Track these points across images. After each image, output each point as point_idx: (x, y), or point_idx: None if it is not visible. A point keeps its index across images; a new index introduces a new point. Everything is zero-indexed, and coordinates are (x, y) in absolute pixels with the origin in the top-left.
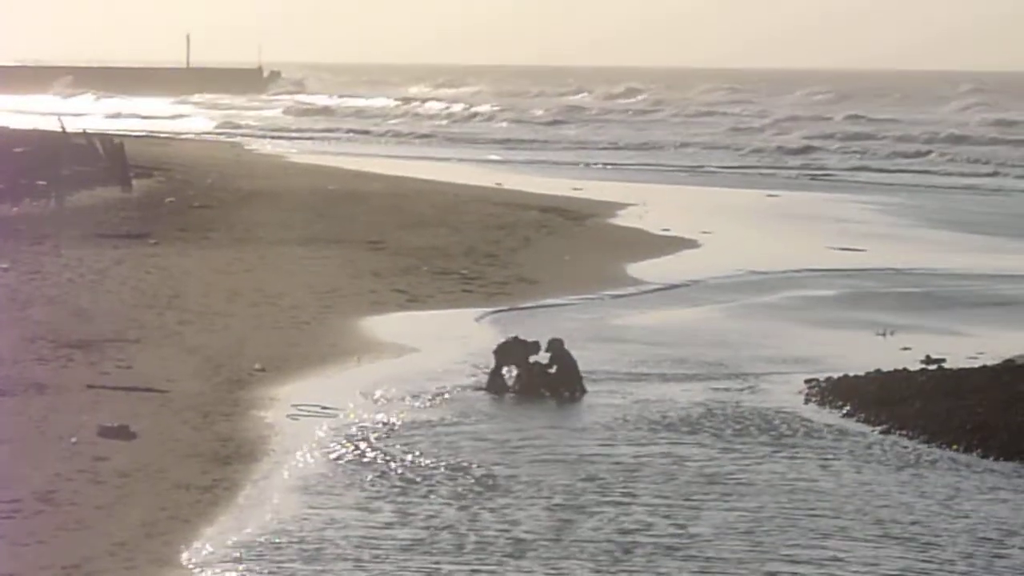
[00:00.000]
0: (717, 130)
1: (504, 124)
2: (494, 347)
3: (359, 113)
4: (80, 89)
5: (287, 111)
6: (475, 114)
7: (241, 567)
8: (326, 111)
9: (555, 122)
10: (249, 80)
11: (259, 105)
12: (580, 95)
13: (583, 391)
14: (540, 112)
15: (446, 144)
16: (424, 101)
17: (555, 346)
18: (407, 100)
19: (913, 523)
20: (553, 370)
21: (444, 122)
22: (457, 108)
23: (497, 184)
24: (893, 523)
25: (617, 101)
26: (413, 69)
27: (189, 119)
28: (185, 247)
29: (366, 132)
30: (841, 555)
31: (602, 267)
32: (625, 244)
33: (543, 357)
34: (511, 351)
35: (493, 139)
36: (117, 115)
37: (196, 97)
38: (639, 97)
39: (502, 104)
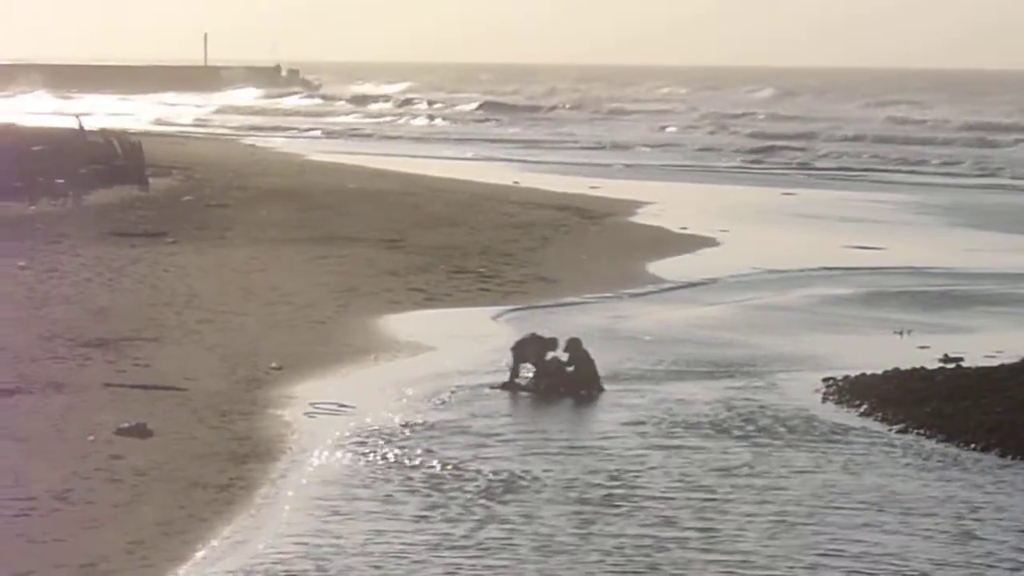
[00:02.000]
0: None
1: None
2: (512, 344)
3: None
4: (31, 88)
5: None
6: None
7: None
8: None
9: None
10: (267, 79)
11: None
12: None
13: (600, 390)
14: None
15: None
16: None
17: (573, 346)
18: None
19: (937, 519)
20: (570, 369)
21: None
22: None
23: (514, 183)
24: (920, 519)
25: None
26: (429, 68)
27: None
28: (202, 246)
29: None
30: (872, 550)
31: (620, 265)
32: (643, 242)
33: (561, 356)
34: (528, 348)
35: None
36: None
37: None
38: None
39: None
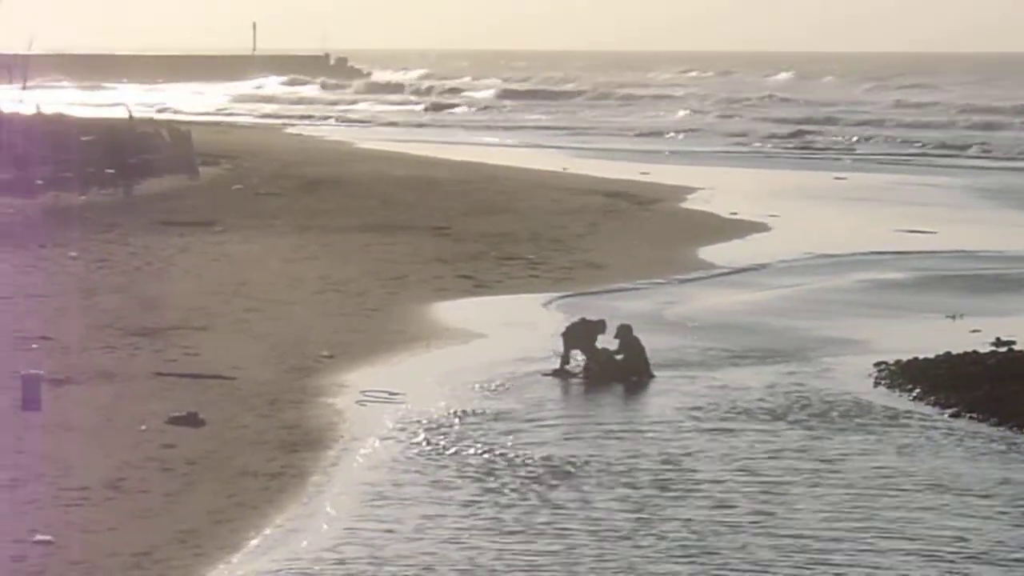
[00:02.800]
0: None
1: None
2: (562, 330)
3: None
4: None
5: None
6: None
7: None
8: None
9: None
10: (316, 68)
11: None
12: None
13: (651, 376)
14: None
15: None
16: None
17: (623, 332)
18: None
19: (994, 502)
20: (620, 357)
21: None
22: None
23: (563, 169)
24: (978, 501)
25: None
26: (474, 55)
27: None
28: (251, 234)
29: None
30: (932, 532)
31: (669, 251)
32: (692, 228)
33: (612, 343)
34: (577, 334)
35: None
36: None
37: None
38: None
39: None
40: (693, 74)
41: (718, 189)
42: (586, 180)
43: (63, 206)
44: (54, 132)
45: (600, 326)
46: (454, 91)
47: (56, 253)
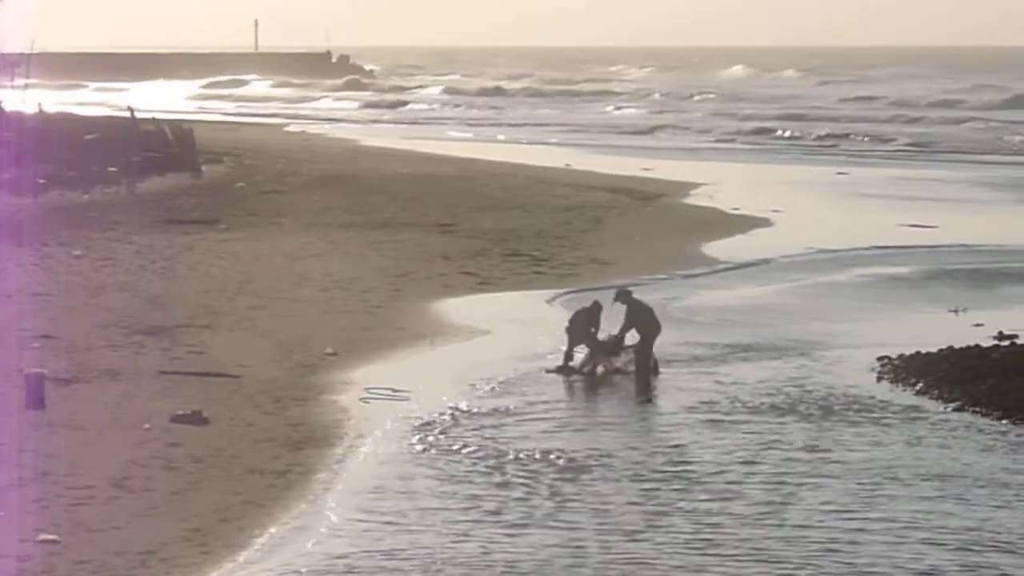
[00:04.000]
0: None
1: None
2: (566, 325)
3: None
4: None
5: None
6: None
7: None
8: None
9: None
10: (318, 65)
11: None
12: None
13: (656, 372)
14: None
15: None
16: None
17: (623, 297)
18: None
19: (1008, 493)
20: (623, 328)
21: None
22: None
23: (566, 165)
24: (991, 494)
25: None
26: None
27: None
28: (255, 232)
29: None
30: (949, 523)
31: (673, 247)
32: (695, 224)
33: (610, 330)
34: (578, 329)
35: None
36: None
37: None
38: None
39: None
40: (648, 70)
41: (720, 184)
42: (589, 176)
43: (66, 205)
44: (57, 130)
45: (595, 309)
46: (400, 89)
47: (60, 252)
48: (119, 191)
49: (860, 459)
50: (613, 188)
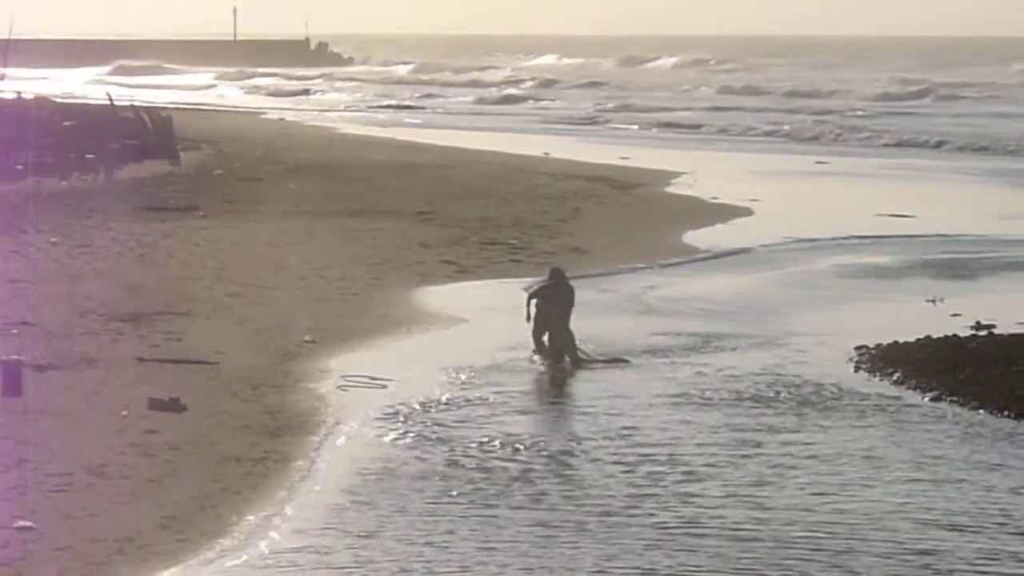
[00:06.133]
0: None
1: None
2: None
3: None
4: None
5: None
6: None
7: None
8: None
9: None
10: (297, 53)
11: None
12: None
13: (625, 361)
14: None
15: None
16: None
17: (556, 275)
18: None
19: (990, 480)
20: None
21: None
22: None
23: (544, 153)
24: (968, 481)
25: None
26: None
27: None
28: (233, 220)
29: None
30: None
31: (652, 236)
32: (674, 213)
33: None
34: (539, 321)
35: None
36: None
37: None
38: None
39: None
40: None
41: (699, 173)
42: (568, 165)
43: (44, 191)
44: (35, 117)
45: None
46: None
47: (37, 239)
48: (97, 178)
49: (837, 448)
50: (592, 177)
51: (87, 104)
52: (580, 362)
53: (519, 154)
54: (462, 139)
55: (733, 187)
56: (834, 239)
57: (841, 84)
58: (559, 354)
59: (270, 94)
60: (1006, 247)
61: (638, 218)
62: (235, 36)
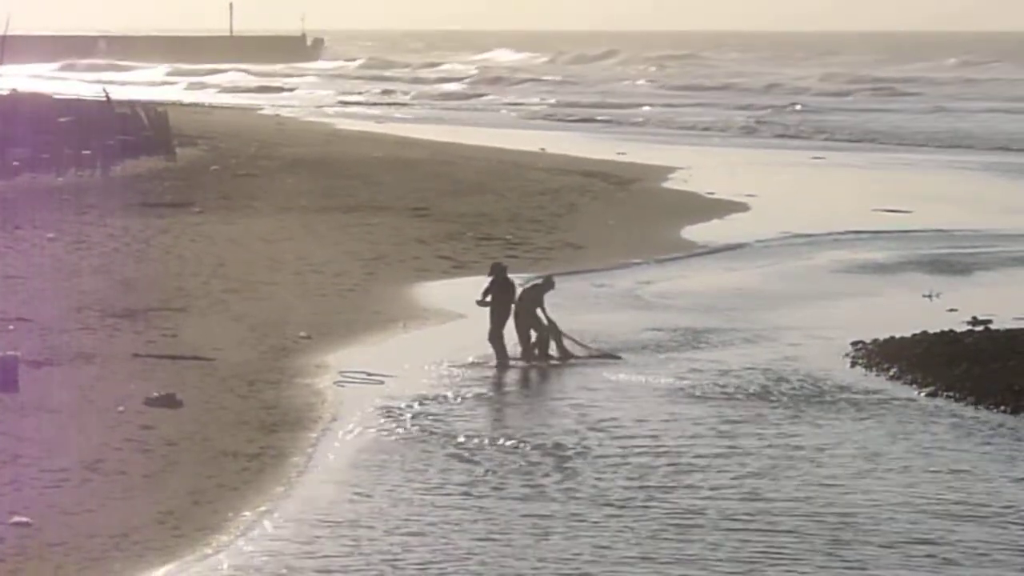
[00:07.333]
0: None
1: None
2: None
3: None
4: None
5: None
6: None
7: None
8: None
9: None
10: (293, 48)
11: None
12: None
13: (617, 358)
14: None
15: None
16: None
17: (496, 270)
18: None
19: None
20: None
21: None
22: None
23: (541, 149)
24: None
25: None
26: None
27: None
28: (229, 215)
29: None
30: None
31: (648, 231)
32: (670, 208)
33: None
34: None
35: None
36: None
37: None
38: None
39: None
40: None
41: (696, 169)
42: (564, 160)
43: (40, 187)
44: (31, 113)
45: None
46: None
47: (33, 234)
48: (93, 174)
49: (834, 442)
50: (588, 172)
51: (84, 100)
52: (568, 355)
53: (513, 149)
54: (456, 135)
55: (729, 182)
56: (830, 234)
57: (780, 79)
58: (543, 347)
59: (224, 91)
60: (1003, 242)
61: (634, 213)
62: (231, 32)
